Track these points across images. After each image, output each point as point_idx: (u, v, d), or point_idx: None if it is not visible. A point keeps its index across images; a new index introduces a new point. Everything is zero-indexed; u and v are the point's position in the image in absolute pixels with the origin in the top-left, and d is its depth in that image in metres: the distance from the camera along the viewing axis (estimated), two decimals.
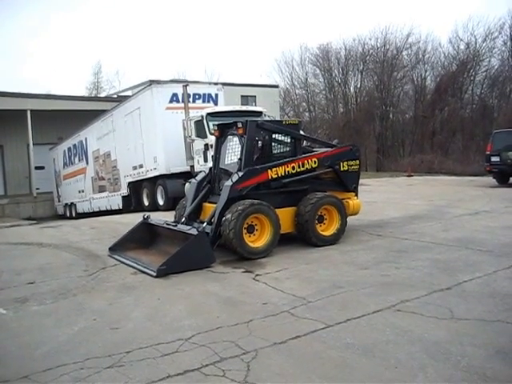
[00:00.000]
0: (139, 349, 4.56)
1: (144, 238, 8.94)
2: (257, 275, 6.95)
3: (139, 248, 8.76)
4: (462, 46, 38.87)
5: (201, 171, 9.73)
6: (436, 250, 7.94)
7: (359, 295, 5.84)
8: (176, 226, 8.27)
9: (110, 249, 8.92)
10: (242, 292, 6.23)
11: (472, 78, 38.48)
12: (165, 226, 8.49)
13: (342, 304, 5.54)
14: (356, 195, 9.75)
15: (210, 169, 9.43)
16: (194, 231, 7.55)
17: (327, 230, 8.78)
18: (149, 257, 8.18)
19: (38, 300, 6.34)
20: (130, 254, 8.46)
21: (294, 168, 8.70)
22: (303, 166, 8.83)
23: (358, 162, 9.58)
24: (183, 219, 8.67)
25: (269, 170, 8.45)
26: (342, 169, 9.30)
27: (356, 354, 4.25)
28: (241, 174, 8.22)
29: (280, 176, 8.56)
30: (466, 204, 13.23)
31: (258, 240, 8.04)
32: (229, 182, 8.22)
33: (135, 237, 9.01)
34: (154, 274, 7.15)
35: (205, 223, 8.11)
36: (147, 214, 9.32)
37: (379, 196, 16.25)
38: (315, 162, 8.99)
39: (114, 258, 8.53)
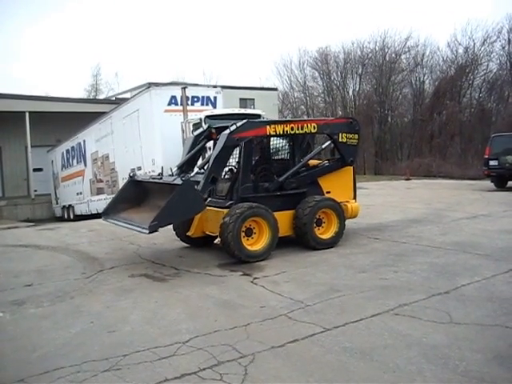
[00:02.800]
0: (136, 352, 4.55)
1: (134, 196, 8.83)
2: (255, 278, 6.94)
3: (131, 207, 8.69)
4: (461, 50, 38.95)
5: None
6: (434, 253, 7.93)
7: (357, 299, 5.83)
8: (161, 178, 8.22)
9: (103, 213, 8.94)
10: (239, 295, 6.22)
11: (470, 81, 38.50)
12: (151, 180, 8.39)
13: (340, 308, 5.53)
14: (354, 198, 9.75)
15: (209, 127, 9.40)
16: (178, 181, 7.47)
17: (325, 233, 8.77)
18: (140, 214, 8.10)
19: (35, 303, 6.32)
20: (122, 216, 8.43)
21: (292, 129, 8.70)
22: (302, 129, 8.84)
23: (357, 136, 9.54)
24: (174, 169, 8.62)
25: (268, 126, 8.50)
26: (340, 140, 9.28)
27: (354, 358, 4.23)
28: (239, 123, 8.23)
29: (278, 134, 8.59)
30: (464, 208, 13.22)
31: (256, 243, 8.02)
32: (226, 131, 8.21)
33: (125, 197, 8.93)
34: (147, 232, 7.15)
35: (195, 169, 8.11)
36: (133, 171, 9.21)
37: (377, 199, 16.25)
38: (314, 127, 9.00)
39: (109, 222, 8.59)
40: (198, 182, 7.83)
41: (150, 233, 7.15)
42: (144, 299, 6.27)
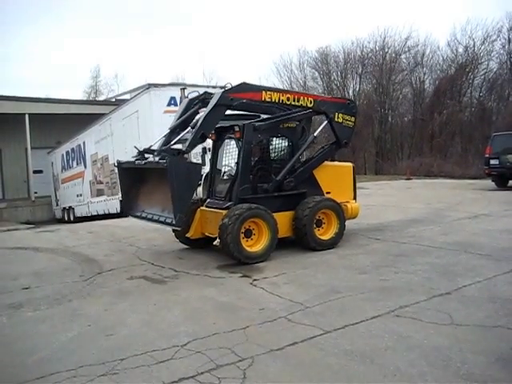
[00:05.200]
0: (134, 356, 4.49)
1: (135, 181, 8.78)
2: (254, 280, 6.88)
3: (141, 194, 8.77)
4: (461, 49, 38.79)
5: None
6: (435, 253, 7.87)
7: (358, 300, 5.77)
8: (146, 163, 8.11)
9: (126, 211, 9.13)
10: (238, 297, 6.16)
11: (470, 81, 38.39)
12: (138, 166, 8.24)
13: (340, 309, 5.47)
14: (354, 199, 9.69)
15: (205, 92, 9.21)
16: (162, 163, 7.38)
17: (325, 234, 8.71)
18: (157, 204, 8.13)
19: (32, 306, 6.27)
20: (142, 207, 8.67)
21: (288, 99, 8.69)
22: (298, 101, 8.82)
23: (353, 118, 9.50)
24: (167, 131, 8.57)
25: (263, 92, 8.49)
26: (336, 119, 9.23)
27: (354, 361, 4.17)
28: (235, 84, 8.20)
29: (273, 102, 8.54)
30: (465, 207, 13.16)
31: (256, 244, 7.96)
32: (221, 90, 8.15)
33: (129, 185, 8.88)
34: (179, 228, 8.01)
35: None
36: (116, 161, 9.06)
37: (378, 199, 16.18)
38: (311, 101, 8.98)
39: (137, 218, 8.77)
40: (180, 150, 7.79)
41: (180, 227, 7.74)
42: (142, 302, 6.22)
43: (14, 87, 66.49)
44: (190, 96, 8.97)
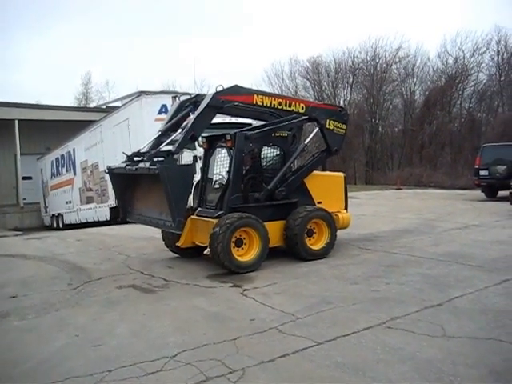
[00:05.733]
0: (122, 367, 4.41)
1: (130, 186, 8.68)
2: (245, 290, 6.81)
3: (139, 198, 8.65)
4: (451, 61, 39.23)
5: None
6: (426, 264, 7.85)
7: (349, 311, 5.72)
8: (136, 169, 7.89)
9: (124, 215, 8.98)
10: (229, 307, 6.09)
11: (460, 92, 38.78)
12: (130, 172, 8.04)
13: (331, 320, 5.42)
14: (346, 209, 9.67)
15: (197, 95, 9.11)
16: (153, 169, 7.24)
17: (316, 243, 8.67)
18: (155, 207, 8.01)
19: (19, 315, 6.16)
20: (139, 211, 8.58)
21: (280, 104, 8.66)
22: (290, 106, 8.78)
23: (344, 126, 9.46)
24: (158, 133, 8.52)
25: (255, 95, 8.46)
26: (327, 126, 9.20)
27: (346, 374, 4.12)
28: (227, 87, 8.16)
29: (265, 106, 8.51)
30: (455, 218, 13.20)
31: (247, 254, 7.89)
32: (212, 91, 8.08)
33: (124, 191, 8.81)
34: (179, 231, 7.89)
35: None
36: (106, 167, 8.91)
37: (368, 209, 16.20)
38: (303, 107, 8.95)
39: (135, 221, 8.83)
40: (169, 151, 7.69)
41: (180, 230, 7.71)
42: (131, 311, 6.13)
43: (4, 93, 66.08)
44: (182, 98, 8.87)
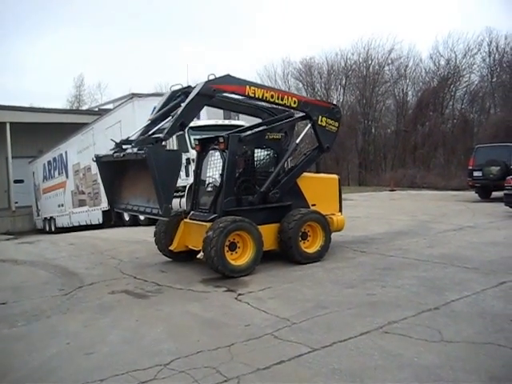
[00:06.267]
0: (114, 376, 4.31)
1: (116, 174, 8.52)
2: (239, 295, 6.71)
3: (125, 188, 8.49)
4: (443, 62, 39.29)
5: None
6: (422, 267, 7.78)
7: (345, 316, 5.64)
8: (124, 155, 7.81)
9: (111, 205, 8.89)
10: (223, 313, 5.99)
11: (452, 93, 38.84)
12: (118, 159, 7.95)
13: (327, 326, 5.33)
14: (340, 211, 9.59)
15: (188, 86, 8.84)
16: (140, 153, 7.16)
17: (311, 246, 8.58)
18: (142, 196, 7.88)
19: (9, 322, 6.05)
20: (126, 200, 8.39)
21: (272, 96, 8.51)
22: (282, 100, 8.64)
23: (337, 123, 9.35)
24: (148, 122, 8.38)
25: (247, 86, 8.26)
26: (319, 122, 9.08)
27: (343, 381, 4.04)
28: (219, 76, 8.00)
29: (257, 97, 8.37)
30: (450, 219, 13.15)
31: (241, 258, 7.80)
32: (204, 80, 7.92)
33: (111, 180, 8.63)
34: (166, 218, 7.69)
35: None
36: (94, 155, 8.72)
37: (363, 211, 16.14)
38: (295, 101, 8.81)
39: (122, 210, 8.84)
40: (158, 138, 7.57)
41: (167, 217, 7.43)
42: (124, 317, 6.03)
43: None
44: (173, 88, 8.72)
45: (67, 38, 77.63)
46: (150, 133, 8.01)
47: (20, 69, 76.25)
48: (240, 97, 8.93)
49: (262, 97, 8.43)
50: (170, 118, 8.07)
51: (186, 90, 8.61)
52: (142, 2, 76.77)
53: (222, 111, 31.10)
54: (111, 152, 8.14)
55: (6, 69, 74.59)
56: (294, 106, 8.83)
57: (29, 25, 76.36)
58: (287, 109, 9.02)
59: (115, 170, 8.44)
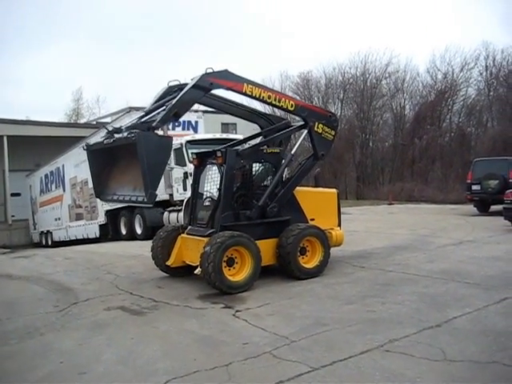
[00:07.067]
0: None
1: (106, 164, 8.33)
2: (237, 311, 6.59)
3: (113, 177, 8.30)
4: (440, 76, 39.41)
5: None
6: (422, 282, 7.67)
7: (345, 334, 5.52)
8: (114, 140, 7.71)
9: (98, 196, 8.74)
10: (221, 330, 5.87)
11: (450, 107, 38.93)
12: (108, 145, 7.85)
13: (327, 344, 5.21)
14: (339, 226, 9.50)
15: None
16: (131, 136, 7.08)
17: (310, 262, 8.47)
18: (129, 184, 7.73)
19: (1, 340, 5.92)
20: (113, 190, 8.20)
21: (269, 97, 8.38)
22: (279, 102, 8.53)
23: (333, 132, 9.22)
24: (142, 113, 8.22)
25: (245, 84, 8.12)
26: (315, 129, 8.95)
27: None
28: (217, 70, 7.87)
29: (254, 96, 8.22)
30: (449, 233, 13.06)
31: (238, 273, 7.67)
32: (202, 73, 7.77)
33: (100, 169, 8.43)
34: (150, 205, 7.31)
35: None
36: (85, 143, 8.62)
37: (361, 225, 16.04)
38: (292, 105, 8.68)
39: (109, 201, 8.66)
40: (150, 124, 7.43)
41: (152, 203, 7.17)
42: (119, 335, 5.90)
43: None
44: (171, 83, 8.60)
45: (67, 51, 77.80)
46: (142, 120, 7.89)
47: (18, 82, 76.45)
48: (237, 95, 8.76)
49: (259, 96, 8.30)
50: (164, 107, 7.92)
51: (182, 87, 8.50)
52: (143, 15, 77.07)
53: (219, 125, 31.20)
54: (102, 139, 8.04)
55: (5, 82, 74.83)
56: (291, 109, 8.72)
57: (26, 39, 76.63)
58: (284, 111, 8.89)
59: (104, 159, 8.27)
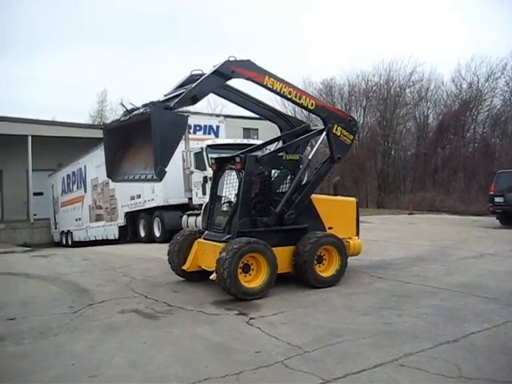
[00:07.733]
0: None
1: (122, 144, 8.32)
2: (251, 319, 6.53)
3: (126, 157, 8.28)
4: (465, 86, 39.04)
5: None
6: (440, 295, 7.53)
7: (359, 346, 5.42)
8: (130, 117, 7.71)
9: (109, 177, 8.68)
10: (233, 337, 5.82)
11: (474, 117, 38.49)
12: (123, 122, 7.90)
13: (340, 355, 5.13)
14: (357, 235, 9.39)
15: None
16: (147, 110, 7.11)
17: (326, 270, 8.37)
18: (141, 162, 7.68)
19: (15, 339, 5.93)
20: (125, 170, 8.17)
21: (290, 93, 8.32)
22: (300, 99, 8.46)
23: (352, 136, 9.13)
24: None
25: (267, 76, 8.06)
26: (334, 131, 8.85)
27: None
28: (240, 59, 7.84)
29: (274, 90, 8.15)
30: (470, 245, 12.84)
31: (254, 280, 7.62)
32: (221, 61, 7.73)
33: (116, 149, 8.43)
34: (158, 180, 7.21)
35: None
36: (102, 123, 8.66)
37: (380, 234, 15.86)
38: (312, 104, 8.62)
39: (120, 181, 8.63)
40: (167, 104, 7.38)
41: (160, 180, 7.12)
42: (132, 339, 5.88)
43: (20, 110, 66.65)
44: (193, 72, 8.57)
45: (95, 54, 78.89)
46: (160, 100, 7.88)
47: (45, 83, 77.60)
48: (254, 90, 8.69)
49: (280, 91, 8.23)
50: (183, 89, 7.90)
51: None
52: (172, 21, 77.72)
53: (241, 130, 31.19)
54: (119, 118, 8.09)
55: (30, 82, 76.02)
56: (311, 108, 8.66)
57: (55, 41, 77.91)
58: (304, 110, 8.81)
59: (120, 139, 8.28)
